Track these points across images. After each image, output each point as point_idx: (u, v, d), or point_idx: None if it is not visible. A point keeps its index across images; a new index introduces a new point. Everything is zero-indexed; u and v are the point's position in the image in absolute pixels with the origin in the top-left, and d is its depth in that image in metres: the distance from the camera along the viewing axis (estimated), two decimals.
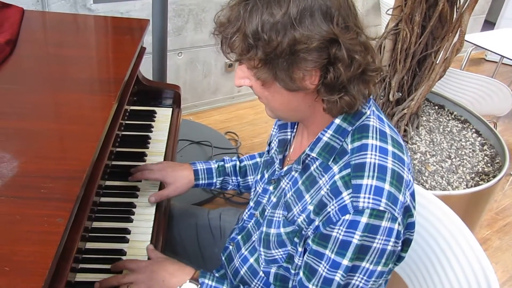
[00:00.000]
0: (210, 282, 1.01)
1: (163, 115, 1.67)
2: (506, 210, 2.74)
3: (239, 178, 1.37)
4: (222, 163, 1.36)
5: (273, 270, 1.04)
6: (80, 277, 1.03)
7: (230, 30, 0.84)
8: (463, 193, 1.78)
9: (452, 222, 1.21)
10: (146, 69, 2.10)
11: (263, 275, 1.08)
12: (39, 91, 1.24)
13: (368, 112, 0.94)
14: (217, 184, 1.35)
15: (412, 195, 0.92)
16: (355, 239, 0.83)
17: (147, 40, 1.99)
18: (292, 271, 0.99)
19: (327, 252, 0.87)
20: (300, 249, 0.95)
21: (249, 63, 0.86)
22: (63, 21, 1.71)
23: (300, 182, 0.98)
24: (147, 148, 1.49)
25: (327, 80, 0.84)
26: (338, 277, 0.86)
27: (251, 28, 0.81)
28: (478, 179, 1.89)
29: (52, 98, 1.24)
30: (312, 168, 0.96)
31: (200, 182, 1.32)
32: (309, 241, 0.91)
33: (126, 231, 1.17)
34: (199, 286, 1.00)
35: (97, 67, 1.43)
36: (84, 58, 1.45)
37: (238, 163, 1.37)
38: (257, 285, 1.10)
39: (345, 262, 0.84)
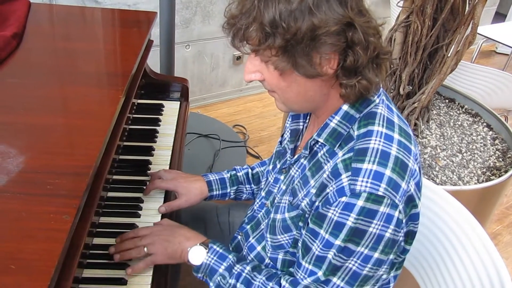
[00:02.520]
0: (218, 249, 1.04)
1: (170, 108, 1.66)
2: None
3: (253, 185, 1.36)
4: (234, 172, 1.35)
5: (280, 256, 1.05)
6: (87, 272, 1.03)
7: (245, 21, 0.83)
8: (474, 188, 1.76)
9: (463, 217, 1.19)
10: (154, 62, 2.09)
11: (269, 261, 1.08)
12: (45, 85, 1.23)
13: (377, 100, 0.94)
14: (231, 194, 1.34)
15: (418, 185, 0.91)
16: (350, 221, 0.83)
17: (155, 32, 1.98)
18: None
19: (321, 231, 0.87)
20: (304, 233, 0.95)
21: (266, 53, 0.85)
22: (70, 14, 1.71)
23: (307, 168, 0.99)
24: (155, 142, 1.48)
25: (346, 64, 0.85)
26: (330, 255, 0.87)
27: (268, 17, 0.81)
28: (490, 174, 1.87)
29: (59, 92, 1.23)
30: (319, 155, 0.97)
31: (214, 193, 1.30)
32: (309, 220, 0.92)
33: (134, 226, 1.16)
34: (207, 250, 1.03)
35: (104, 60, 1.41)
36: (91, 51, 1.43)
37: (250, 170, 1.36)
38: None
39: (338, 242, 0.85)
